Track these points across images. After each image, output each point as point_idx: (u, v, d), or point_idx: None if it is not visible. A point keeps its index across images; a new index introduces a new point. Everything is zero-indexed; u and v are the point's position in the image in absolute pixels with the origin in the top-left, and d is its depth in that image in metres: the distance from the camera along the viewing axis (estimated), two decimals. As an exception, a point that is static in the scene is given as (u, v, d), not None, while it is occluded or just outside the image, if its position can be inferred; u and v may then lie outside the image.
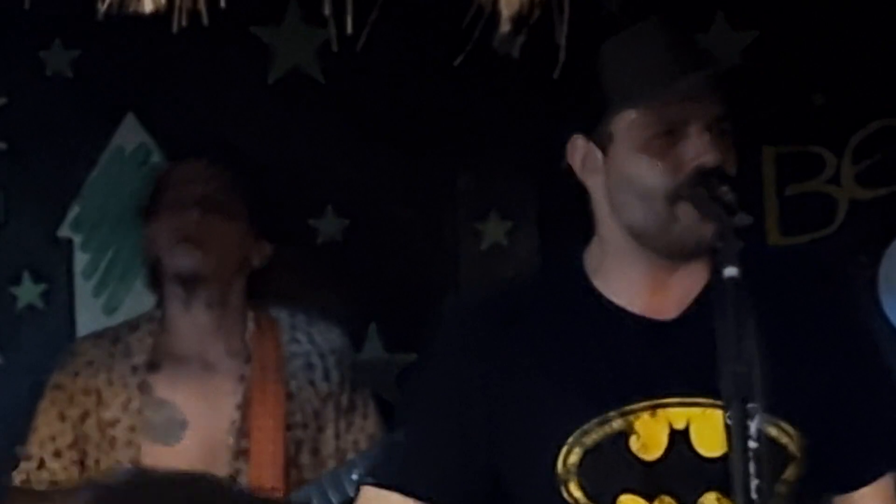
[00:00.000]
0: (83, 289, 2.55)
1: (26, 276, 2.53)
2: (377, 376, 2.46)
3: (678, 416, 1.44)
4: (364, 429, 2.26)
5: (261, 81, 2.51)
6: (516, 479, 1.50)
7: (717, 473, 1.37)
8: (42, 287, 2.52)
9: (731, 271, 1.22)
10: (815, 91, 2.49)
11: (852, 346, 1.49)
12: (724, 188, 1.30)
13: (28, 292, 2.54)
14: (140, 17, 1.16)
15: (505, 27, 1.18)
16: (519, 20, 1.18)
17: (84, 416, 2.18)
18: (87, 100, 2.59)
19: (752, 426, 1.24)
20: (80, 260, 2.60)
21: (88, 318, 2.47)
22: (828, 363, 1.46)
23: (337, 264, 2.58)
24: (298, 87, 2.55)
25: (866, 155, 2.56)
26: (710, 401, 1.36)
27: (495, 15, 1.17)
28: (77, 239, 2.59)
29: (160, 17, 1.17)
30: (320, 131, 2.55)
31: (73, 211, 2.60)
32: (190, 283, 2.18)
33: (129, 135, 2.53)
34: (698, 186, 1.34)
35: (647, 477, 1.45)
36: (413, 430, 1.57)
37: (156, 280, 2.26)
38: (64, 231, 2.52)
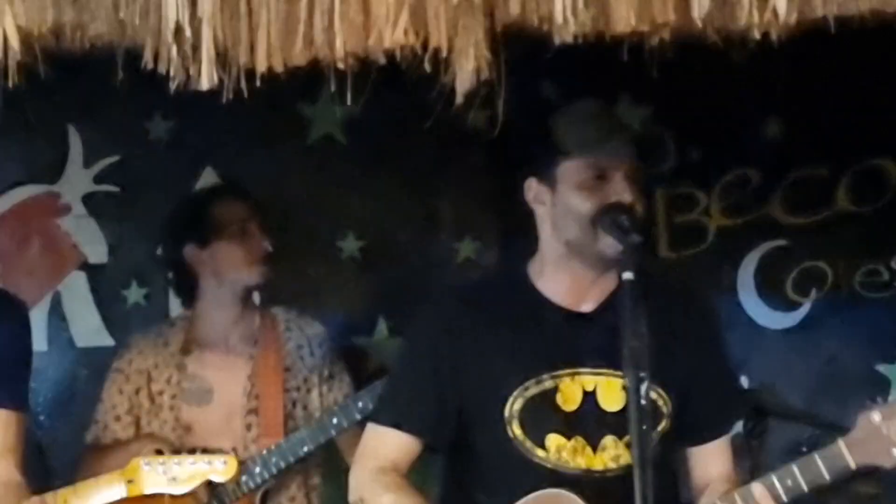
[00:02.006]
0: (172, 296, 2.89)
1: (134, 282, 2.94)
2: (383, 353, 2.88)
3: (589, 381, 1.69)
4: (341, 389, 2.58)
5: (301, 144, 2.95)
6: (476, 421, 1.75)
7: (614, 423, 1.68)
8: (145, 290, 2.92)
9: (627, 275, 1.52)
10: (692, 148, 2.96)
11: (708, 345, 1.81)
12: (623, 217, 1.57)
13: (135, 294, 2.92)
14: (216, 96, 1.38)
15: (459, 99, 1.36)
16: (471, 95, 1.36)
17: (137, 391, 2.49)
18: (178, 157, 2.94)
19: (643, 389, 1.49)
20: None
21: (176, 311, 2.80)
22: (691, 353, 1.76)
23: (356, 273, 3.01)
24: (328, 148, 2.95)
25: (728, 194, 3.01)
26: (612, 372, 1.66)
27: (453, 87, 1.36)
28: (169, 255, 2.93)
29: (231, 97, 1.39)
30: (344, 179, 2.99)
31: (167, 234, 2.93)
32: (250, 292, 2.54)
33: (207, 181, 2.93)
34: (605, 215, 1.60)
35: (567, 422, 1.69)
36: (404, 385, 1.83)
37: (187, 285, 2.56)
38: (159, 250, 2.89)
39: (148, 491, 2.00)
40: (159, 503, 2.29)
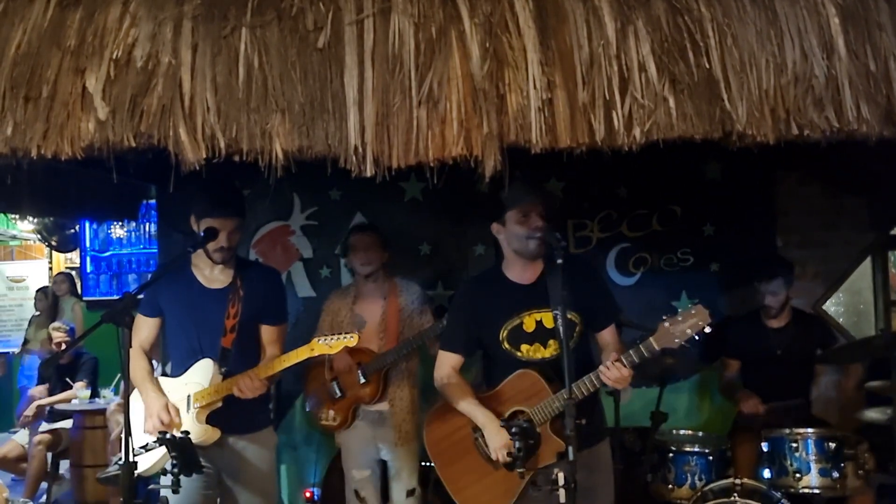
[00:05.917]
0: (344, 272, 4.37)
1: (324, 266, 4.40)
2: (441, 299, 4.22)
3: (537, 315, 2.35)
4: (427, 321, 3.49)
5: (401, 202, 4.35)
6: (487, 341, 2.41)
7: (552, 333, 2.33)
8: (330, 270, 4.42)
9: (558, 260, 2.15)
10: (584, 201, 4.29)
11: (600, 287, 2.51)
12: (555, 234, 2.20)
13: (324, 272, 4.40)
14: (367, 178, 1.91)
15: (486, 178, 1.95)
16: (492, 177, 1.93)
17: (332, 321, 3.51)
18: (345, 208, 4.32)
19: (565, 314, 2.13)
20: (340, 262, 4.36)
21: (347, 280, 4.16)
22: (591, 292, 2.39)
23: (427, 262, 4.40)
24: (413, 204, 4.36)
25: (601, 222, 4.30)
26: (546, 309, 2.32)
27: (484, 174, 1.94)
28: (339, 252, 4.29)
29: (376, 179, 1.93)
30: (421, 218, 4.35)
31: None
32: (368, 276, 3.54)
33: (358, 220, 4.37)
34: (533, 234, 2.25)
35: (529, 337, 2.37)
36: (453, 328, 2.51)
37: (352, 271, 3.64)
38: (337, 251, 4.31)
39: (319, 352, 2.50)
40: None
